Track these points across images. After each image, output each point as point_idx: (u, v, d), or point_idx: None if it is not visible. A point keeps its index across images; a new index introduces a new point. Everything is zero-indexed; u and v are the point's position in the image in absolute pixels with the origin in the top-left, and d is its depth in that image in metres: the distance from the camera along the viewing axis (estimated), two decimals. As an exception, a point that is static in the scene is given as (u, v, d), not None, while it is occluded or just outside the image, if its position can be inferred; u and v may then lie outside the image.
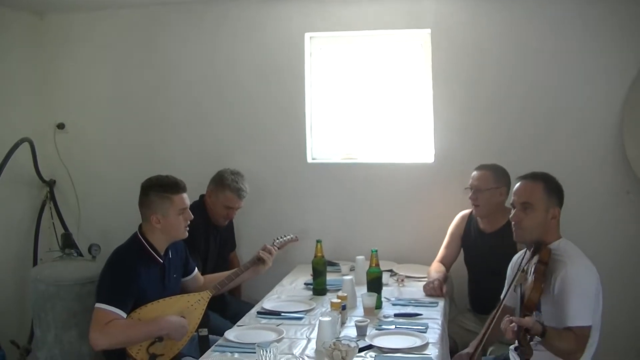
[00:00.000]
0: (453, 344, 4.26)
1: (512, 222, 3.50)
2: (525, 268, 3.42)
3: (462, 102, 5.17)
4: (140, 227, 3.84)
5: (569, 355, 3.24)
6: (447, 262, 4.77)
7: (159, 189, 3.79)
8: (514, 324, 3.08)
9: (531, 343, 3.06)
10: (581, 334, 3.18)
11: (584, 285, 3.22)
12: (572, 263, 3.28)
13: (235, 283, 4.38)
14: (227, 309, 4.76)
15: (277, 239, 4.55)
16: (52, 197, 5.76)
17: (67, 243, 5.31)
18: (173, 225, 3.80)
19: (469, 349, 3.68)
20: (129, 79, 5.74)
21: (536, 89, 5.03)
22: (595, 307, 3.26)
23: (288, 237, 4.62)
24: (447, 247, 4.83)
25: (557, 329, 3.28)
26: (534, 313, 3.34)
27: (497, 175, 4.56)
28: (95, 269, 4.69)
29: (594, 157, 4.97)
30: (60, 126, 5.81)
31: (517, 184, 3.54)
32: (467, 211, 4.78)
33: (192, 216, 3.91)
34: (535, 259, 3.33)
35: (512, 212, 3.51)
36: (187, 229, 3.90)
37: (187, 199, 3.88)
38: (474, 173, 4.62)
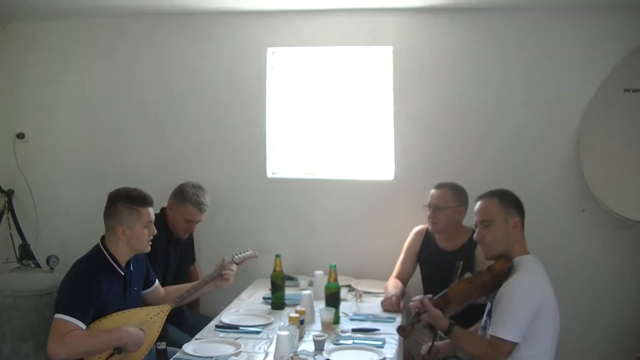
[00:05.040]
0: (411, 359, 4.30)
1: (478, 241, 3.58)
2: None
3: (423, 120, 5.24)
4: (102, 238, 3.81)
5: None
6: (403, 278, 4.79)
7: (127, 200, 3.76)
8: (420, 303, 3.41)
9: None
10: (497, 346, 3.25)
11: (518, 299, 3.27)
12: (518, 275, 3.35)
13: (195, 296, 4.36)
14: (185, 322, 4.73)
15: (237, 254, 4.53)
16: (10, 208, 5.69)
17: (25, 254, 5.28)
18: (138, 238, 3.77)
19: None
20: (91, 89, 5.71)
21: (496, 108, 5.14)
22: (535, 327, 3.28)
23: (247, 252, 4.58)
24: (403, 263, 4.84)
25: (471, 332, 3.49)
26: (485, 319, 3.49)
27: (456, 194, 4.58)
28: (53, 280, 4.67)
29: (552, 175, 5.09)
30: (20, 136, 5.75)
31: (476, 205, 3.62)
32: (422, 227, 4.78)
33: (156, 231, 3.90)
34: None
35: (476, 231, 3.59)
36: (150, 242, 3.88)
37: (152, 213, 3.86)
38: (433, 191, 4.63)
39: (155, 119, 5.63)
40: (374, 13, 5.23)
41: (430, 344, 3.83)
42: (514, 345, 3.24)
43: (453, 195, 4.57)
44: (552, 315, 3.38)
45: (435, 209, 4.56)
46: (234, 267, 4.38)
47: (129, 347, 3.60)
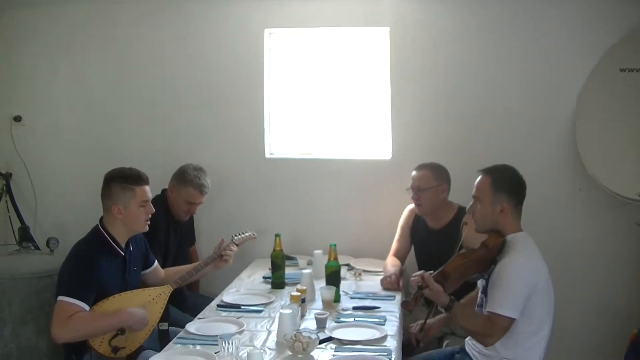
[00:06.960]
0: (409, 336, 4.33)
1: (471, 213, 3.61)
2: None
3: (420, 100, 5.25)
4: (101, 219, 3.82)
5: (478, 337, 3.42)
6: (400, 256, 4.84)
7: (121, 180, 3.77)
8: (421, 278, 3.39)
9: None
10: (496, 321, 3.29)
11: (513, 277, 3.31)
12: (514, 254, 3.38)
13: (195, 277, 4.39)
14: (186, 302, 4.76)
15: (236, 235, 4.55)
16: (9, 190, 5.70)
17: (24, 237, 5.29)
18: (134, 217, 3.78)
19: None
20: (88, 72, 5.69)
21: (493, 89, 5.14)
22: (532, 303, 3.32)
23: (247, 234, 4.60)
24: (399, 240, 4.90)
25: (470, 308, 3.53)
26: (480, 296, 3.53)
27: (436, 173, 4.63)
28: (53, 262, 4.67)
29: (548, 154, 5.10)
30: (17, 118, 5.74)
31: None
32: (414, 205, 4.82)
33: (154, 209, 3.90)
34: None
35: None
36: (148, 222, 3.89)
37: (149, 192, 3.86)
38: (414, 173, 4.68)
39: (152, 101, 5.63)
40: (371, -6, 5.24)
41: (422, 322, 3.87)
42: (511, 321, 3.29)
43: (433, 175, 4.62)
44: (547, 292, 3.42)
45: (417, 190, 4.62)
46: (234, 248, 4.41)
47: (133, 327, 3.64)
